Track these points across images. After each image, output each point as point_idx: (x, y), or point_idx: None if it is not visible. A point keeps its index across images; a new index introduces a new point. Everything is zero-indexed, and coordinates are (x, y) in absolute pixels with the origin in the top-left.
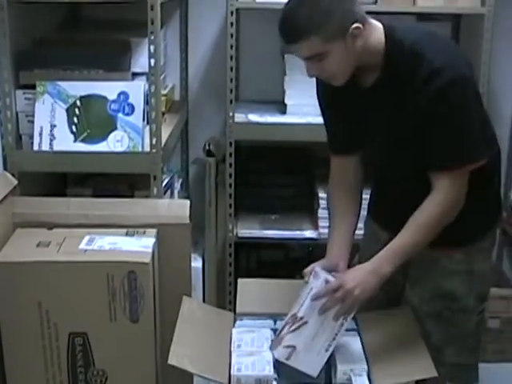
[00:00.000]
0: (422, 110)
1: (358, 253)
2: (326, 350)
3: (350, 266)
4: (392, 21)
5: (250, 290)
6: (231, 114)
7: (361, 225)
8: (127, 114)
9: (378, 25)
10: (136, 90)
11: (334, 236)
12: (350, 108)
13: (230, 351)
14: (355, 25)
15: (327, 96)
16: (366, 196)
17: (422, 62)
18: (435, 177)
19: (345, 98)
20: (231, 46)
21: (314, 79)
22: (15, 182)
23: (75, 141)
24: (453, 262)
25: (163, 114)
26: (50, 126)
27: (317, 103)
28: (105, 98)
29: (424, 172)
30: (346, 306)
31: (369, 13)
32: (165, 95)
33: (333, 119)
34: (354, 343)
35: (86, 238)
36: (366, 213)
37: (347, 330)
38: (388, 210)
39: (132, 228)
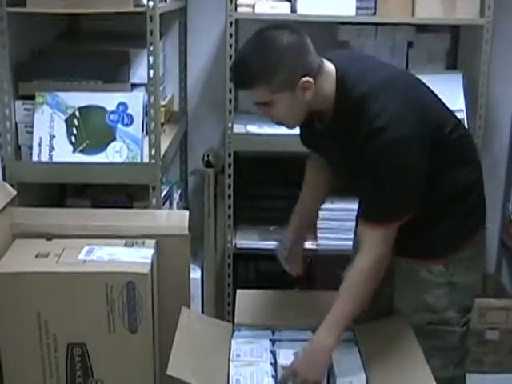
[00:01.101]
0: (360, 163)
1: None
2: None
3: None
4: (353, 60)
5: (249, 301)
6: (230, 125)
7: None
8: (126, 125)
9: (332, 72)
10: (135, 101)
11: (299, 206)
12: (313, 136)
13: (229, 362)
14: (305, 78)
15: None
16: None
17: (365, 119)
18: (360, 229)
19: (308, 127)
20: (230, 57)
21: None
22: (14, 192)
23: (74, 151)
24: (432, 274)
25: (162, 124)
26: (49, 137)
27: None
28: (104, 108)
29: None
30: None
31: (368, 24)
32: (164, 106)
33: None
34: (353, 354)
35: (85, 249)
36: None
37: (344, 341)
38: None
39: (131, 239)
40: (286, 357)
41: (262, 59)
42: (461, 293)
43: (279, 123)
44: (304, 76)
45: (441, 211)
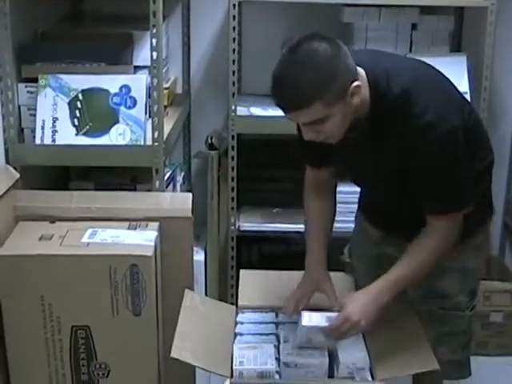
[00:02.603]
0: (408, 162)
1: (348, 246)
2: None
3: (330, 261)
4: (373, 59)
5: (252, 281)
6: (233, 107)
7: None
8: (129, 108)
9: (363, 74)
10: (138, 84)
11: (312, 251)
12: (328, 149)
13: (232, 344)
14: (356, 83)
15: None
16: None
17: (411, 117)
18: (431, 219)
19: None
20: (233, 39)
21: None
22: (17, 175)
23: (77, 134)
24: (446, 260)
25: (165, 107)
26: (52, 120)
27: None
28: (107, 91)
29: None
30: (350, 335)
31: (372, 6)
32: (167, 88)
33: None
34: (356, 338)
35: (89, 232)
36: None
37: None
38: (377, 210)
39: (134, 221)
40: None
41: (311, 75)
42: (471, 278)
43: (326, 139)
44: (353, 81)
45: None
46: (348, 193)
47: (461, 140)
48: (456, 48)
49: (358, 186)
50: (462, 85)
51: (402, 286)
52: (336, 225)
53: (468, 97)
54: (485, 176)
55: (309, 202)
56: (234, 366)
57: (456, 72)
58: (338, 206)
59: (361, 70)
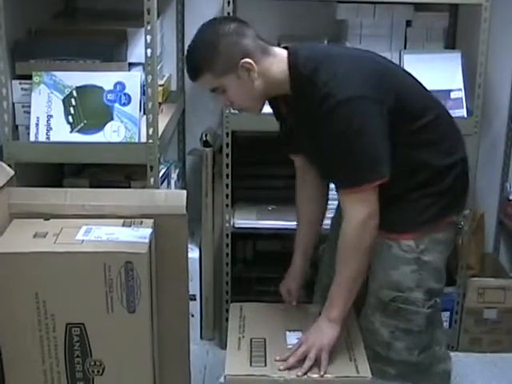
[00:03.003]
0: (320, 132)
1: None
2: None
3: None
4: (312, 44)
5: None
6: None
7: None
8: (124, 105)
9: (282, 55)
10: (132, 81)
11: (298, 246)
12: (284, 121)
13: None
14: (244, 60)
15: (272, 107)
16: None
17: (315, 89)
18: (339, 197)
19: (280, 113)
20: None
21: None
22: (12, 172)
23: (72, 131)
24: (402, 251)
25: (160, 104)
26: (47, 117)
27: None
28: (101, 88)
29: None
30: (312, 359)
31: (366, 2)
32: (161, 85)
33: (280, 126)
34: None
35: (83, 229)
36: None
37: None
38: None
39: (129, 218)
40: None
41: (200, 48)
42: (428, 274)
43: (241, 109)
44: (243, 58)
45: (415, 187)
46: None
47: (362, 110)
48: (450, 45)
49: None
50: (457, 81)
51: (343, 294)
52: (326, 221)
53: (462, 93)
54: (451, 172)
55: (299, 203)
56: None
57: (450, 69)
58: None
59: (283, 51)
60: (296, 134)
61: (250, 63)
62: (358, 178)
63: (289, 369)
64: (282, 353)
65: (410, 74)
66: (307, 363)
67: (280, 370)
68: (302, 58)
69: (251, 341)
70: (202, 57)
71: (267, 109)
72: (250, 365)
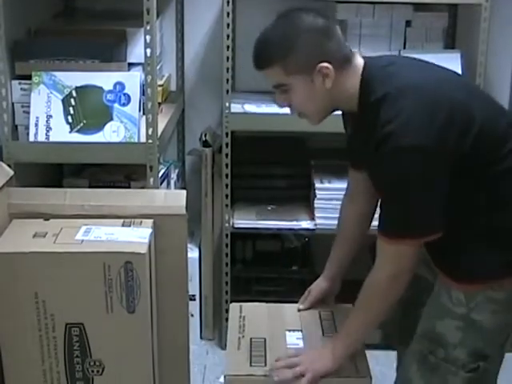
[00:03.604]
0: (377, 168)
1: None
2: None
3: None
4: (390, 60)
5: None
6: (227, 104)
7: None
8: (123, 105)
9: (358, 69)
10: (132, 81)
11: (334, 256)
12: (350, 133)
13: None
14: (322, 64)
15: (343, 116)
16: None
17: (378, 124)
18: (378, 240)
19: (347, 123)
20: (227, 36)
21: None
22: (11, 172)
23: (71, 131)
24: (451, 302)
25: (159, 104)
26: (46, 117)
27: None
28: (101, 88)
29: None
30: (297, 373)
31: (366, 2)
32: (161, 85)
33: (347, 135)
34: None
35: (83, 229)
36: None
37: None
38: None
39: (128, 218)
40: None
41: (278, 36)
42: (476, 334)
43: (301, 115)
44: (323, 62)
45: (475, 238)
46: (341, 189)
47: (418, 162)
48: (450, 45)
49: None
50: None
51: (355, 336)
52: (330, 222)
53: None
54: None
55: (343, 215)
56: None
57: (450, 69)
58: (331, 202)
59: (360, 63)
60: (359, 151)
61: (329, 69)
62: (403, 229)
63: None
64: (282, 353)
65: (484, 95)
66: (290, 374)
67: (266, 371)
68: (375, 79)
69: (251, 341)
70: (277, 48)
71: (267, 109)
72: (250, 365)
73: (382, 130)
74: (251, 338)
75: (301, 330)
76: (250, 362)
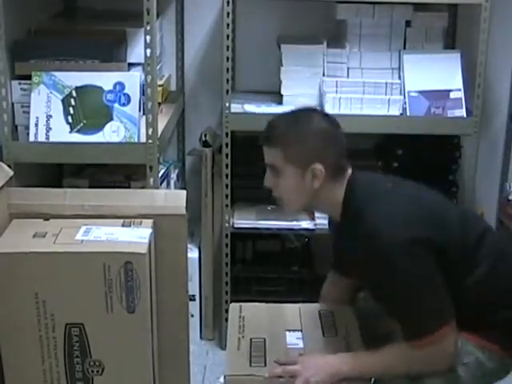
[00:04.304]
0: (366, 273)
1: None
2: None
3: None
4: (375, 176)
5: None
6: (227, 104)
7: None
8: (123, 105)
9: (345, 180)
10: (132, 81)
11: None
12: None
13: None
14: (316, 165)
15: (329, 220)
16: None
17: (360, 229)
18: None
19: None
20: (227, 36)
21: (309, 70)
22: (11, 172)
23: (71, 131)
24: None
25: (159, 104)
26: (46, 117)
27: (312, 93)
28: (101, 88)
29: None
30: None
31: (366, 2)
32: (161, 85)
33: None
34: None
35: (83, 229)
36: None
37: None
38: None
39: (128, 219)
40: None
41: (289, 126)
42: None
43: (279, 199)
44: (318, 163)
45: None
46: None
47: (417, 257)
48: (450, 45)
49: None
50: (456, 82)
51: (367, 368)
52: None
53: (462, 93)
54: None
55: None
56: None
57: (450, 69)
58: None
59: (346, 178)
60: (342, 257)
61: (321, 171)
62: (418, 331)
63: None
64: (282, 353)
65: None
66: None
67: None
68: (359, 190)
69: (251, 341)
70: (284, 135)
71: (267, 109)
72: (250, 365)
73: (364, 234)
74: (251, 339)
75: (301, 330)
76: (250, 363)
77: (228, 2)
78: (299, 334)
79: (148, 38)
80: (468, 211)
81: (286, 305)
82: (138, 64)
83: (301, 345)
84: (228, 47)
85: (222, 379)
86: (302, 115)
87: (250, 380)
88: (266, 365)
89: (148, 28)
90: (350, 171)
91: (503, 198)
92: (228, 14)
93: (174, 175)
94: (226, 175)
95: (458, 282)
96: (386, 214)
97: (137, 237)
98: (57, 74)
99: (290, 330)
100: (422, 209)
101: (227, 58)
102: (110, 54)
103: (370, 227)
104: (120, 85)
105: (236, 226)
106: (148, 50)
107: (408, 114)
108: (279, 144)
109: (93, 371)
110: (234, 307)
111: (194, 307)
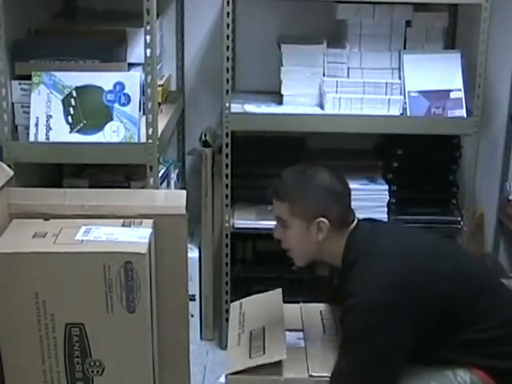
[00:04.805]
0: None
1: None
2: None
3: None
4: (377, 226)
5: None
6: (227, 104)
7: None
8: (123, 105)
9: (345, 234)
10: (132, 81)
11: None
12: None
13: None
14: (321, 219)
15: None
16: None
17: (347, 283)
18: None
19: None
20: (227, 36)
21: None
22: (11, 172)
23: (71, 131)
24: (455, 378)
25: (159, 104)
26: (46, 117)
27: (313, 93)
28: (101, 88)
29: None
30: None
31: (366, 2)
32: (161, 85)
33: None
34: None
35: (83, 229)
36: None
37: None
38: None
39: (128, 219)
40: None
41: (296, 182)
42: None
43: (289, 252)
44: (323, 217)
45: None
46: None
47: (379, 323)
48: (450, 45)
49: None
50: (456, 82)
51: None
52: None
53: (462, 93)
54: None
55: None
56: None
57: (450, 69)
58: None
59: (350, 229)
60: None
61: (325, 225)
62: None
63: None
64: (281, 339)
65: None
66: None
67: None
68: (355, 245)
69: (251, 333)
70: (292, 190)
71: (267, 109)
72: (250, 357)
73: (348, 287)
74: (251, 331)
75: (301, 330)
76: (250, 354)
77: (228, 2)
78: (300, 334)
79: (148, 37)
80: (463, 261)
81: (285, 305)
82: (138, 64)
83: (302, 345)
84: (228, 47)
85: (222, 379)
86: (309, 172)
87: (251, 380)
88: (264, 352)
89: (148, 28)
90: (355, 222)
91: (503, 198)
92: (228, 13)
93: (174, 175)
94: (226, 175)
95: (459, 334)
96: (371, 276)
97: (137, 237)
98: (57, 74)
99: (290, 330)
100: (412, 271)
101: (227, 58)
102: (110, 54)
103: (351, 285)
104: (120, 85)
105: (236, 226)
106: (148, 50)
107: (408, 114)
108: (286, 199)
109: (93, 371)
110: (234, 306)
111: (194, 307)
